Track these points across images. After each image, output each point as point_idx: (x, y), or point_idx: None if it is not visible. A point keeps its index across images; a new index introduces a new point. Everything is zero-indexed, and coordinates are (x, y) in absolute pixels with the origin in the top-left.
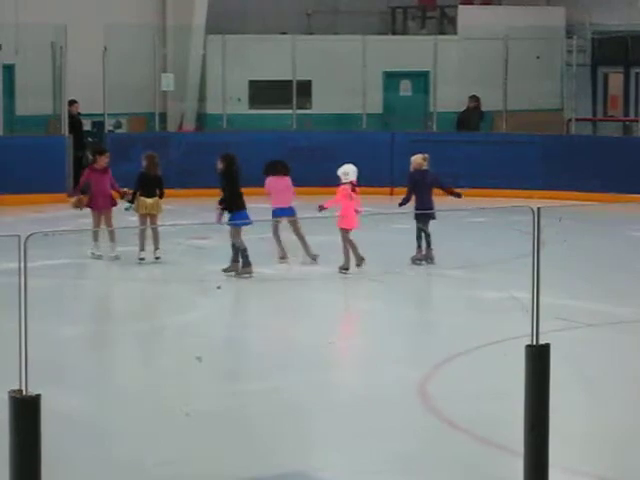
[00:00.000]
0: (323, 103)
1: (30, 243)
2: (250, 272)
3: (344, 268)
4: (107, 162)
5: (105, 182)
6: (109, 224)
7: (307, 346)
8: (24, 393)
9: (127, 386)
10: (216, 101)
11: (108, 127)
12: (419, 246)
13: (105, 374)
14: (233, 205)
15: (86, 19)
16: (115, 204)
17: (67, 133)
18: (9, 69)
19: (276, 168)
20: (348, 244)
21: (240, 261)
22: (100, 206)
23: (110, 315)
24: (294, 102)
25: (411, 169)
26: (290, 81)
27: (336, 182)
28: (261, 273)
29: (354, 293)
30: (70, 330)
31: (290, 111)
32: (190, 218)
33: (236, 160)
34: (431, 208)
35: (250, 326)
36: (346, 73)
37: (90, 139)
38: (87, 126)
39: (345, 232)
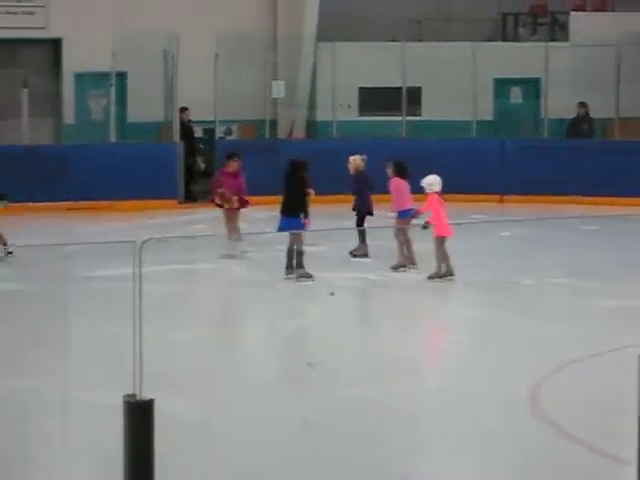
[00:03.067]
0: (433, 110)
1: (144, 249)
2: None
3: (438, 276)
4: (237, 166)
5: (234, 185)
6: (234, 224)
7: (417, 352)
8: (138, 397)
9: (238, 391)
10: (326, 108)
11: (219, 134)
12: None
13: (217, 379)
14: (290, 209)
15: (198, 27)
16: (244, 206)
17: (178, 140)
18: (122, 76)
19: (406, 170)
20: (441, 253)
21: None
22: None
23: (221, 320)
24: (404, 109)
25: (353, 171)
26: (400, 88)
27: (446, 189)
28: (371, 279)
29: (464, 301)
30: (182, 335)
31: (400, 118)
32: None
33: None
34: (371, 205)
35: (360, 333)
36: (456, 80)
37: (201, 146)
38: (198, 133)
39: (441, 240)
